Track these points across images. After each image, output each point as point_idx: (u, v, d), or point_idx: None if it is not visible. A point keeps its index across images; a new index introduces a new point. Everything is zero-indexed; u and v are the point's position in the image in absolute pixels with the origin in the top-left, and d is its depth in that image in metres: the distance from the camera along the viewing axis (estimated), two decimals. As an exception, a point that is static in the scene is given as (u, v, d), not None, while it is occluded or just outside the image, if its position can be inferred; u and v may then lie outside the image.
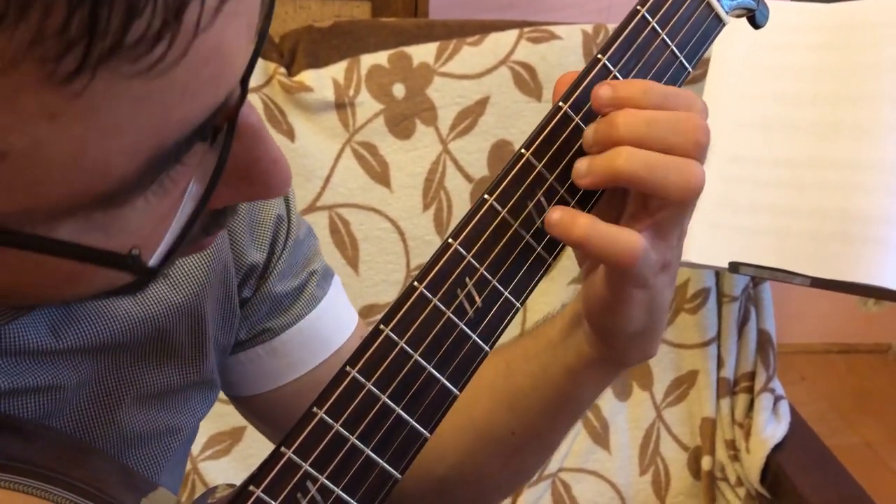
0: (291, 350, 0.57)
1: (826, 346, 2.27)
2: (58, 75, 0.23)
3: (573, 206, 0.43)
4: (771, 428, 1.15)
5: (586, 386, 0.52)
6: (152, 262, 0.30)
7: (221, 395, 1.15)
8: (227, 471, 1.12)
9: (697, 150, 0.41)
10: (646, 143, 0.40)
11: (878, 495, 1.08)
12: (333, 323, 0.59)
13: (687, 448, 1.22)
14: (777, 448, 1.13)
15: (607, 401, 1.21)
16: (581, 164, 0.42)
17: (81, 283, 0.31)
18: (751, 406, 1.19)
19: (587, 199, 0.43)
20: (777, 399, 1.19)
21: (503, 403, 0.55)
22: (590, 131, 0.42)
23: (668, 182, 0.40)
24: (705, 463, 1.20)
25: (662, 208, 0.42)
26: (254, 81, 1.07)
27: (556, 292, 1.19)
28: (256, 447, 1.13)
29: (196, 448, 1.11)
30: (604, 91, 0.41)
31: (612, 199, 0.45)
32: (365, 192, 1.12)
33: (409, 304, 0.40)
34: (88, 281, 0.31)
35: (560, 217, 0.41)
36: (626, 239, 0.41)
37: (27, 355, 0.42)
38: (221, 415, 1.12)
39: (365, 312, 1.15)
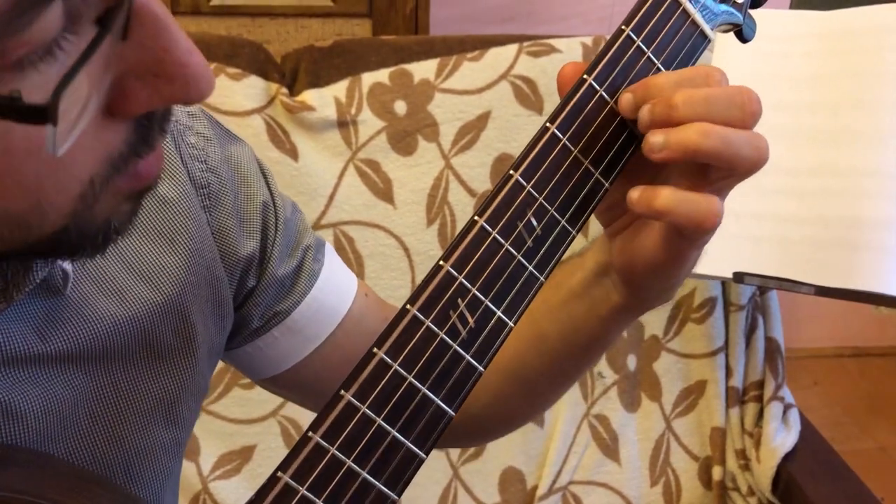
0: (304, 326, 0.59)
1: (838, 350, 2.26)
2: None
3: (564, 224, 0.44)
4: (781, 437, 1.14)
5: (612, 329, 0.55)
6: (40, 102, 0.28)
7: (230, 415, 1.15)
8: (238, 490, 1.12)
9: (755, 121, 0.43)
10: (708, 120, 0.42)
11: (894, 500, 1.08)
12: (336, 290, 0.61)
13: (697, 458, 1.22)
14: (788, 457, 1.13)
15: (616, 413, 1.21)
16: (656, 139, 0.43)
17: None
18: (760, 415, 1.19)
19: (577, 218, 0.44)
20: (787, 407, 1.18)
21: (531, 349, 0.58)
22: (645, 112, 0.43)
23: (741, 155, 0.43)
24: (716, 473, 1.20)
25: (726, 178, 0.44)
26: (256, 102, 1.08)
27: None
28: (267, 465, 1.13)
29: (206, 468, 1.12)
30: (625, 97, 0.43)
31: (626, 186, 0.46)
32: (369, 208, 1.13)
33: (401, 326, 0.40)
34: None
35: (640, 194, 0.44)
36: (707, 203, 0.43)
37: (16, 364, 0.42)
38: (231, 434, 1.13)
39: (371, 329, 1.15)
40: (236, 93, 1.07)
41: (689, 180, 0.45)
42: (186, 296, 0.51)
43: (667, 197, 0.43)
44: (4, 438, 0.42)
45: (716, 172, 0.44)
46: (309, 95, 1.09)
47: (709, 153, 0.42)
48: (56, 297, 0.44)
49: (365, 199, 1.13)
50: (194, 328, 0.52)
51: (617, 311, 0.53)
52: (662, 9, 0.43)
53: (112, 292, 0.47)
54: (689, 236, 0.45)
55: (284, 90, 1.09)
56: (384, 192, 1.13)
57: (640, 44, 0.43)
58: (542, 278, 0.43)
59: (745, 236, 1.02)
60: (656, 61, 0.43)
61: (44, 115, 0.28)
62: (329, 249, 0.63)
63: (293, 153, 1.09)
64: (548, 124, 0.42)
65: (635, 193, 0.44)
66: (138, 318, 0.48)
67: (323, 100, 1.09)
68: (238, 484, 1.12)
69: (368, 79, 1.11)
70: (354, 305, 0.62)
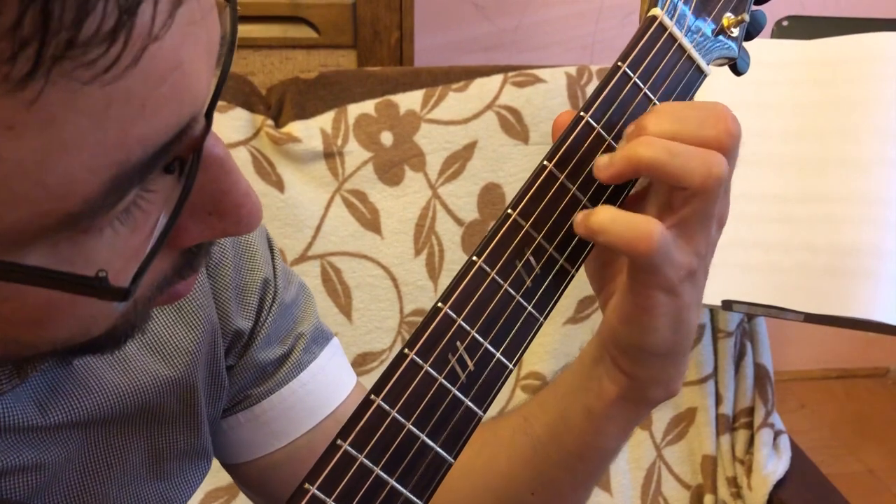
0: (273, 418, 0.55)
1: (824, 372, 2.26)
2: (12, 78, 0.23)
3: (562, 264, 0.43)
4: (772, 464, 1.14)
5: (607, 433, 0.50)
6: (121, 285, 0.29)
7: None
8: (225, 527, 1.10)
9: (731, 140, 0.41)
10: (679, 140, 0.40)
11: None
12: (322, 389, 0.57)
13: (689, 487, 1.21)
14: (779, 484, 1.12)
15: (607, 441, 1.20)
16: (602, 158, 0.42)
17: (54, 320, 0.30)
18: (751, 442, 1.18)
19: (576, 257, 0.43)
20: (777, 434, 1.18)
21: (522, 459, 0.53)
22: (623, 142, 0.42)
23: (689, 168, 0.40)
24: (708, 501, 1.19)
25: (686, 203, 0.41)
26: (241, 134, 1.08)
27: (550, 333, 1.19)
28: (253, 502, 1.12)
29: (192, 505, 1.10)
30: (627, 129, 0.42)
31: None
32: (356, 239, 1.12)
33: (399, 371, 0.39)
34: (60, 318, 0.31)
35: (581, 215, 0.42)
36: (643, 222, 0.40)
37: (14, 433, 0.41)
38: (218, 470, 1.10)
39: (360, 361, 1.14)
40: (221, 125, 1.06)
41: (652, 209, 0.43)
42: (196, 367, 0.50)
43: (602, 214, 0.40)
44: None
45: (675, 197, 0.42)
46: (294, 127, 1.08)
47: (652, 163, 0.40)
48: (61, 367, 0.43)
49: (352, 230, 1.12)
50: (200, 398, 0.51)
51: (609, 403, 0.48)
52: (658, 45, 0.43)
53: (119, 363, 0.46)
54: (640, 268, 0.42)
55: (270, 122, 1.09)
56: (371, 222, 1.12)
57: (637, 80, 0.43)
58: (541, 319, 0.42)
59: (733, 264, 1.02)
60: (653, 97, 0.43)
61: (125, 295, 0.29)
62: (333, 345, 0.58)
63: (279, 185, 1.08)
64: (545, 162, 0.42)
65: (578, 216, 0.42)
66: (143, 388, 0.47)
67: (309, 131, 1.09)
68: (225, 522, 1.10)
69: (354, 110, 1.10)
70: (341, 409, 0.56)
